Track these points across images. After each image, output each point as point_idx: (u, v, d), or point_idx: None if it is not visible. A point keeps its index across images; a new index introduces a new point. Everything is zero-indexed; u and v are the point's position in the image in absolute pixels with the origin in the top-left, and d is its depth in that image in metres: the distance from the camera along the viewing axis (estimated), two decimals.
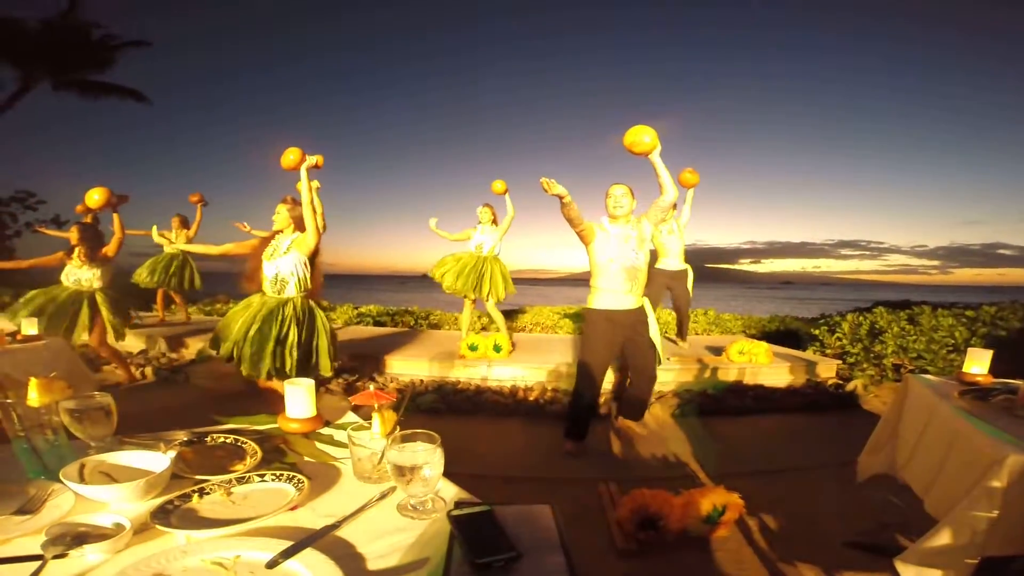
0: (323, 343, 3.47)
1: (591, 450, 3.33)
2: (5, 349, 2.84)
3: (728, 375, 4.82)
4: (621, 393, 3.60)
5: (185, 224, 6.43)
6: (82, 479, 0.93)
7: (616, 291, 3.04)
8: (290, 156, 3.31)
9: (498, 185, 5.19)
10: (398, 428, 1.04)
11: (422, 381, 4.65)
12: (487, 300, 5.28)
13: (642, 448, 3.38)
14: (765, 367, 4.96)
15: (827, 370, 5.13)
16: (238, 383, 4.51)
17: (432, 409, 3.93)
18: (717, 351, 5.39)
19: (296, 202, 3.48)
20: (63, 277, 4.20)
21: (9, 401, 0.98)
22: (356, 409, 1.47)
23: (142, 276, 6.25)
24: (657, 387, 3.69)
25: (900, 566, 1.46)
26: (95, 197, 4.02)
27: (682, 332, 5.62)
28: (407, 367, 4.98)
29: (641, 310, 3.16)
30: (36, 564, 0.73)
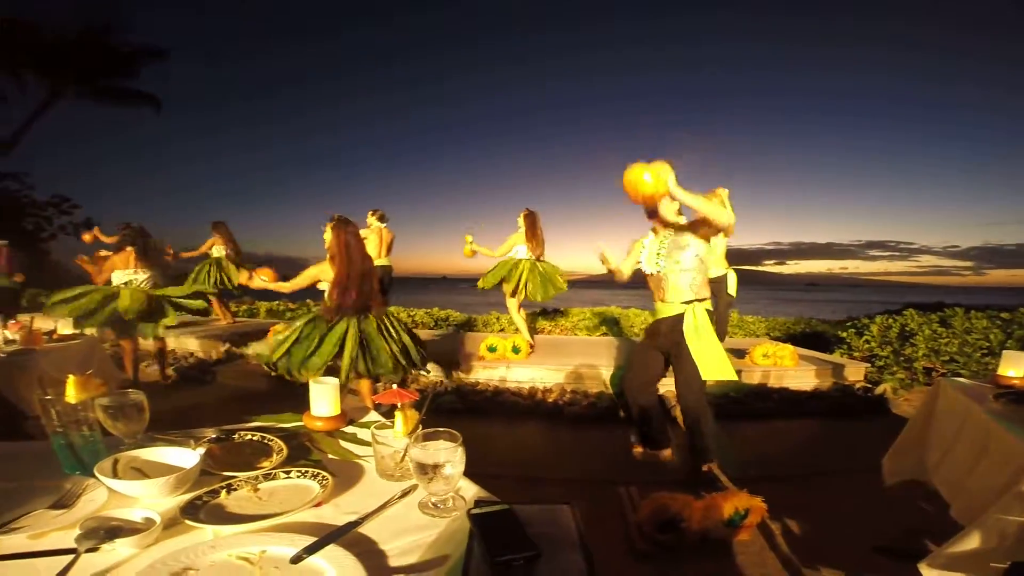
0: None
1: (610, 453, 3.31)
2: (43, 347, 2.95)
3: (752, 378, 4.74)
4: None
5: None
6: (115, 474, 0.96)
7: (655, 300, 2.97)
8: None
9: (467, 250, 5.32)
10: (420, 427, 1.06)
11: (441, 381, 4.69)
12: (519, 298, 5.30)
13: (668, 458, 3.34)
14: (790, 370, 4.86)
15: (855, 373, 5.01)
16: (263, 382, 4.61)
17: (451, 409, 3.96)
18: (740, 354, 5.30)
19: (340, 221, 3.33)
20: (114, 279, 4.31)
21: (48, 398, 1.02)
22: (377, 408, 1.49)
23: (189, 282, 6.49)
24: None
25: (925, 570, 1.42)
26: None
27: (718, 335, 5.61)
28: (429, 369, 5.00)
29: (679, 318, 2.84)
30: (69, 557, 0.75)
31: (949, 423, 1.97)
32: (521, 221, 5.29)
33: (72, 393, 1.03)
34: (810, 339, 6.93)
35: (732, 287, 5.44)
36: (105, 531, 0.79)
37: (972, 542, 1.38)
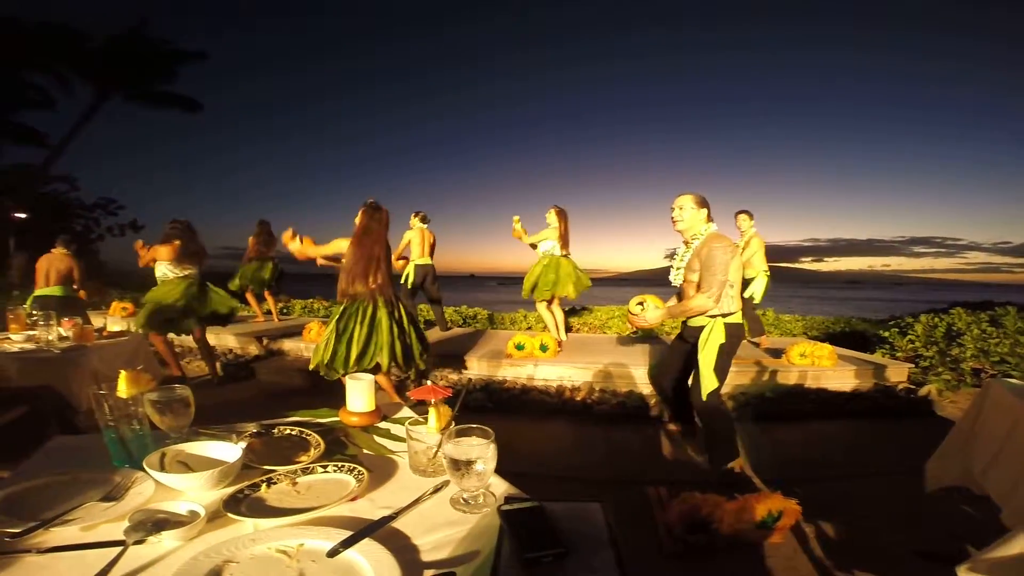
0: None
1: (640, 453, 3.29)
2: (94, 344, 3.09)
3: (788, 378, 4.62)
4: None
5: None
6: (162, 468, 1.00)
7: None
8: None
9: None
10: (453, 423, 1.08)
11: (470, 379, 4.73)
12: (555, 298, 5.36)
13: (694, 452, 3.30)
14: (828, 370, 4.72)
15: (898, 374, 4.83)
16: (299, 378, 4.73)
17: (479, 407, 3.99)
18: (776, 353, 5.18)
19: (369, 206, 3.55)
20: (158, 275, 4.51)
21: (102, 392, 1.07)
22: (409, 404, 1.52)
23: (233, 282, 6.75)
24: None
25: (964, 575, 1.36)
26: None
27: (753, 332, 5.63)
28: (457, 366, 5.05)
29: (697, 329, 2.87)
30: (118, 549, 0.78)
31: (999, 426, 1.88)
32: (554, 218, 5.30)
33: (123, 388, 1.08)
34: (850, 339, 6.71)
35: (759, 293, 5.38)
36: (152, 524, 0.82)
37: (1018, 546, 1.31)
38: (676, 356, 3.17)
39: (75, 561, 0.77)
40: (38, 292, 5.31)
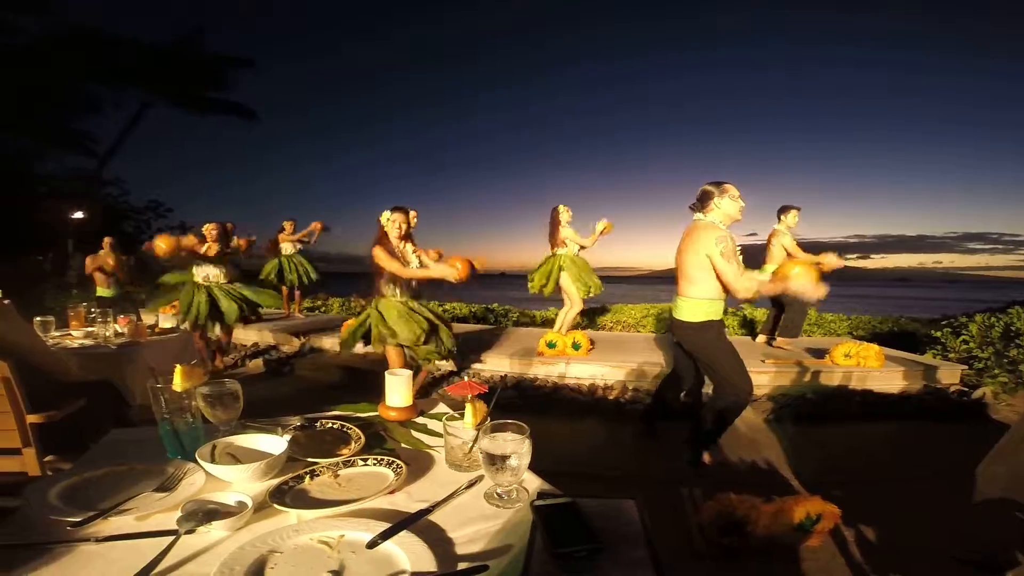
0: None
1: (674, 453, 3.25)
2: (147, 340, 3.26)
3: (832, 379, 4.47)
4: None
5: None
6: (213, 459, 1.04)
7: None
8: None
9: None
10: (488, 419, 1.10)
11: (502, 377, 4.76)
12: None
13: (730, 453, 3.23)
14: (875, 371, 4.55)
15: (950, 376, 4.61)
16: (336, 374, 4.86)
17: (509, 405, 4.00)
18: (819, 353, 5.01)
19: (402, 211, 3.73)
20: (195, 273, 4.73)
21: (160, 386, 1.14)
22: (444, 400, 1.55)
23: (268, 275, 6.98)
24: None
25: None
26: (161, 246, 4.36)
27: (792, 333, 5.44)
28: (489, 364, 5.09)
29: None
30: (170, 539, 0.81)
31: None
32: (567, 213, 5.33)
33: (179, 382, 1.14)
34: (899, 339, 6.44)
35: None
36: (203, 514, 0.86)
37: None
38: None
39: (129, 549, 0.80)
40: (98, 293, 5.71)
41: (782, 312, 5.45)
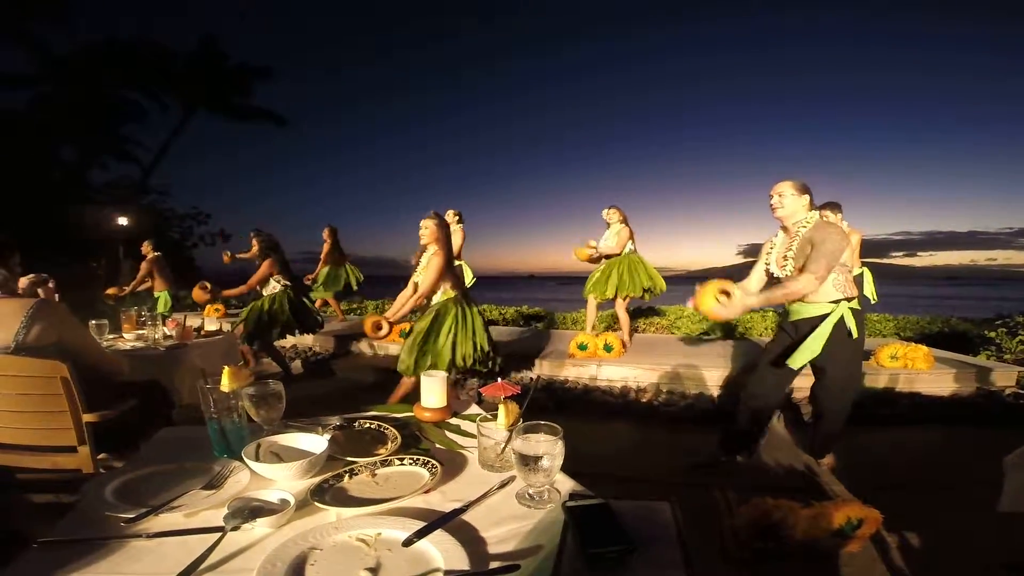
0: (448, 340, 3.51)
1: (708, 456, 3.19)
2: (193, 342, 3.39)
3: (877, 382, 4.30)
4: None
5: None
6: (257, 458, 1.08)
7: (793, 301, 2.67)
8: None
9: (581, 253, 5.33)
10: (521, 420, 1.11)
11: (539, 376, 4.76)
12: (622, 299, 5.29)
13: (767, 456, 3.15)
14: (924, 373, 4.35)
15: (1005, 378, 4.38)
16: (373, 375, 4.95)
17: (540, 407, 3.97)
18: (865, 355, 4.82)
19: (440, 218, 3.54)
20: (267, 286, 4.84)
21: (209, 386, 1.19)
22: (478, 402, 1.57)
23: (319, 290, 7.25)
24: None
25: None
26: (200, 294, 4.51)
27: None
28: (520, 365, 5.07)
29: (816, 319, 2.60)
30: (216, 535, 0.84)
31: None
32: (616, 214, 5.25)
33: (227, 382, 1.19)
34: (949, 340, 6.14)
35: (869, 288, 4.98)
36: (248, 511, 0.89)
37: None
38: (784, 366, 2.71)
39: (178, 545, 0.84)
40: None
41: None
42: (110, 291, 6.69)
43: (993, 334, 5.35)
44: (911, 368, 4.40)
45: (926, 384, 4.28)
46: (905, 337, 6.52)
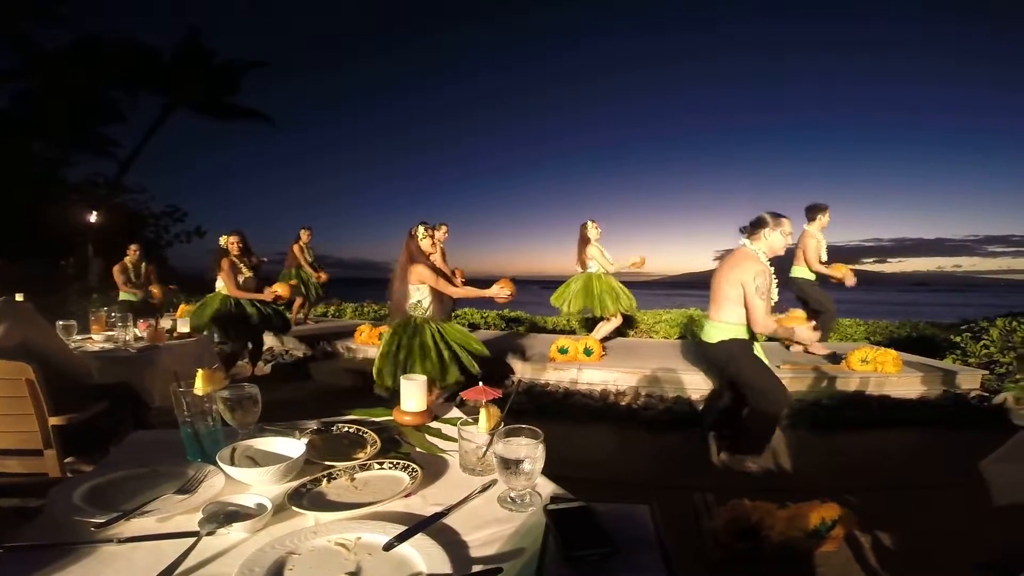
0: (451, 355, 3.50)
1: (687, 460, 3.23)
2: (166, 344, 3.31)
3: (848, 385, 4.42)
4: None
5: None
6: (232, 462, 1.06)
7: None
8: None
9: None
10: (502, 424, 1.11)
11: (520, 380, 4.76)
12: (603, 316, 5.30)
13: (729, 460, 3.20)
14: (893, 377, 4.48)
15: (970, 381, 4.53)
16: (350, 379, 4.89)
17: (520, 410, 3.97)
18: (836, 359, 4.95)
19: (428, 228, 3.54)
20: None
21: (182, 390, 1.16)
22: (460, 406, 1.56)
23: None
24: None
25: None
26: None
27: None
28: (501, 369, 5.06)
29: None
30: (191, 540, 0.82)
31: None
32: (595, 229, 5.29)
33: (200, 385, 1.16)
34: (917, 344, 6.33)
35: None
36: (224, 516, 0.87)
37: None
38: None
39: (151, 550, 0.82)
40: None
41: (814, 318, 5.37)
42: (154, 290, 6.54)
43: (959, 338, 5.53)
44: (881, 372, 4.52)
45: (895, 387, 4.40)
46: (875, 341, 6.70)
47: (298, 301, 7.35)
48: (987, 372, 4.74)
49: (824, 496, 2.41)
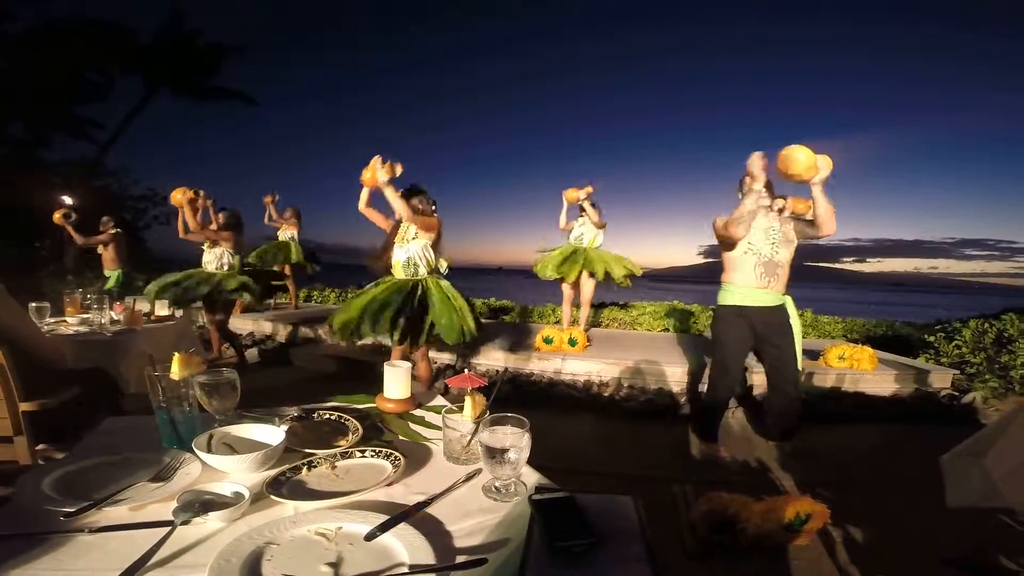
0: (454, 312, 3.43)
1: (667, 451, 3.26)
2: (143, 327, 3.23)
3: (825, 381, 4.50)
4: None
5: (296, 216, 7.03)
6: (209, 449, 1.03)
7: (749, 286, 2.96)
8: (366, 174, 3.28)
9: (571, 194, 5.30)
10: (488, 412, 1.10)
11: (506, 368, 4.78)
12: (590, 280, 5.36)
13: (723, 451, 3.25)
14: (868, 374, 4.57)
15: (941, 380, 4.65)
16: (333, 365, 4.84)
17: (504, 399, 4.01)
18: (813, 355, 5.03)
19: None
20: (208, 255, 4.73)
21: (157, 374, 1.13)
22: (444, 393, 1.55)
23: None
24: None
25: None
26: (177, 196, 4.59)
27: None
28: (486, 358, 5.09)
29: (781, 309, 3.02)
30: (166, 529, 0.80)
31: None
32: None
33: (176, 370, 1.13)
34: (892, 342, 6.47)
35: None
36: (199, 504, 0.85)
37: None
38: (744, 351, 3.11)
39: (124, 540, 0.80)
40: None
41: None
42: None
43: (932, 338, 5.65)
44: (856, 368, 4.61)
45: (870, 384, 4.50)
46: (852, 339, 6.82)
47: (292, 289, 7.26)
48: (958, 372, 4.86)
49: (800, 490, 2.47)
